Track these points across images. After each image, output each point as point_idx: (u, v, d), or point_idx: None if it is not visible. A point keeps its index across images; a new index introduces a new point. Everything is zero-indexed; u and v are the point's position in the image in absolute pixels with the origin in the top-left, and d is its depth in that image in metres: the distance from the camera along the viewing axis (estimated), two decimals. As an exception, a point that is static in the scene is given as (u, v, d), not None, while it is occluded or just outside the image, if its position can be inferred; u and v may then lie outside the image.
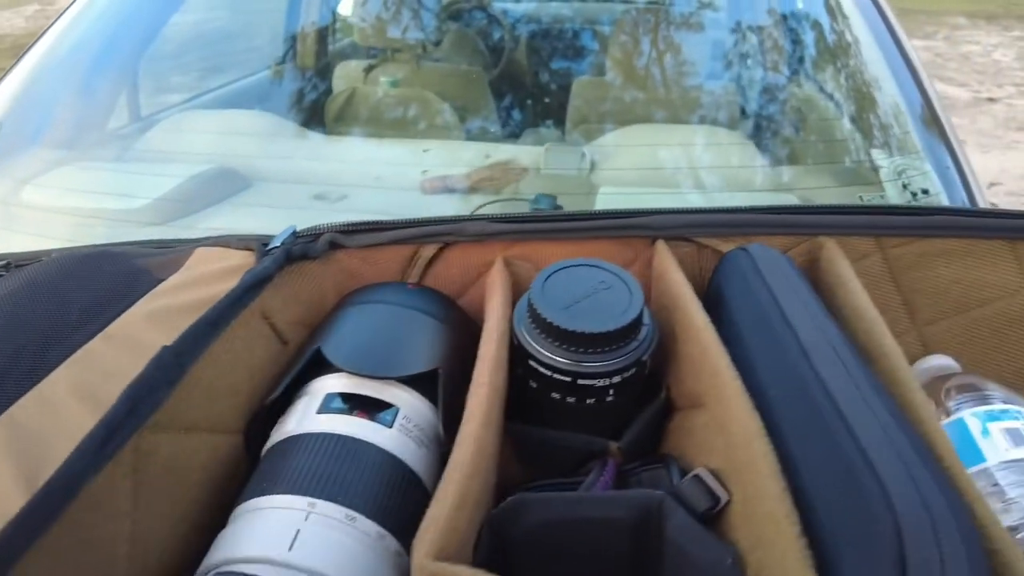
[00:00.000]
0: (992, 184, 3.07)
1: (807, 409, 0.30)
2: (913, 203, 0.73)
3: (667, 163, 0.92)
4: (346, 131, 1.29)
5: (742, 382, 0.32)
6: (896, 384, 0.32)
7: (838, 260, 0.42)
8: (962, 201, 0.79)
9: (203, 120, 1.14)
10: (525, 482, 0.39)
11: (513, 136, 1.23)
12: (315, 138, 1.11)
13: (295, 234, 0.46)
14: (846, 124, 0.95)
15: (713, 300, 0.41)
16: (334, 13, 1.69)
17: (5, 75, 0.98)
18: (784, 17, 1.22)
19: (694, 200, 0.86)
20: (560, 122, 1.21)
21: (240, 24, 1.60)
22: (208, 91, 1.45)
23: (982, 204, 0.79)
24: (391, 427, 0.36)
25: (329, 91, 1.40)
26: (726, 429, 0.32)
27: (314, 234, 0.47)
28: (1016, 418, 0.39)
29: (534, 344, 0.37)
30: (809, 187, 0.81)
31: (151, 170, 0.89)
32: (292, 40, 1.65)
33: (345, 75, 1.44)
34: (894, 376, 0.33)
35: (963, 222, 0.44)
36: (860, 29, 1.01)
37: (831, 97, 1.01)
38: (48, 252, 0.54)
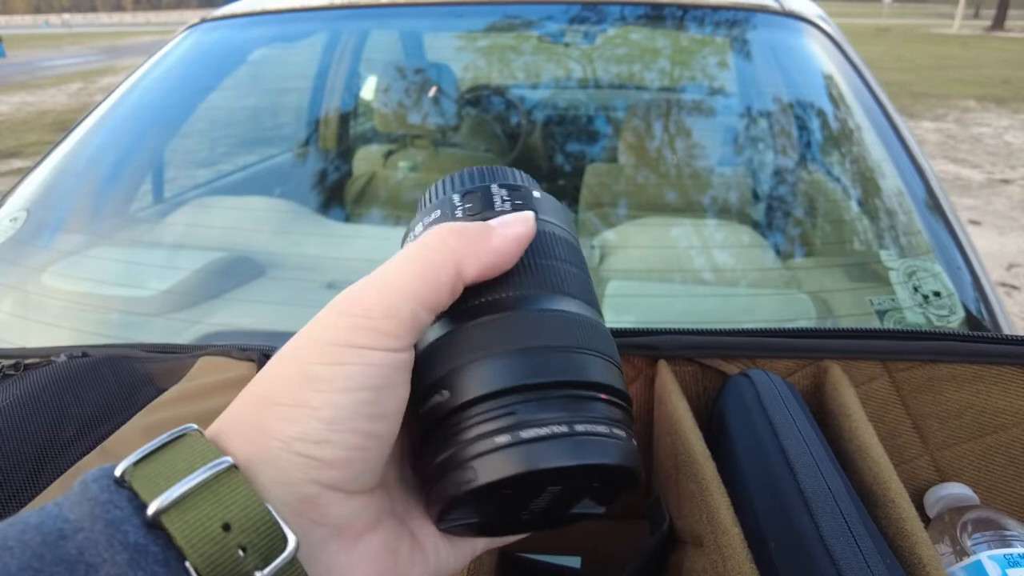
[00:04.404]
0: (1012, 266, 3.05)
1: (807, 567, 0.28)
2: (922, 317, 0.72)
3: (676, 258, 0.92)
4: (364, 215, 1.31)
5: (741, 528, 0.31)
6: (903, 536, 0.31)
7: (843, 388, 0.41)
8: (974, 301, 0.79)
9: (221, 205, 1.17)
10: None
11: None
12: (330, 225, 1.13)
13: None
14: (856, 222, 0.95)
15: (716, 428, 0.40)
16: (357, 98, 1.76)
17: (39, 162, 1.02)
18: (791, 106, 1.24)
19: (702, 293, 0.86)
20: (573, 205, 1.23)
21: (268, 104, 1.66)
22: (231, 172, 1.50)
23: (995, 303, 0.78)
24: None
25: (349, 174, 1.44)
26: (725, 581, 0.30)
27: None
28: (1038, 564, 0.37)
29: None
30: (819, 289, 0.81)
31: (168, 257, 0.91)
32: (315, 123, 1.71)
33: (365, 159, 1.49)
34: (901, 527, 0.31)
35: (970, 348, 0.43)
36: (866, 125, 1.02)
37: (843, 192, 1.02)
38: (58, 349, 0.55)
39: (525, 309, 0.22)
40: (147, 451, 0.19)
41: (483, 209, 0.24)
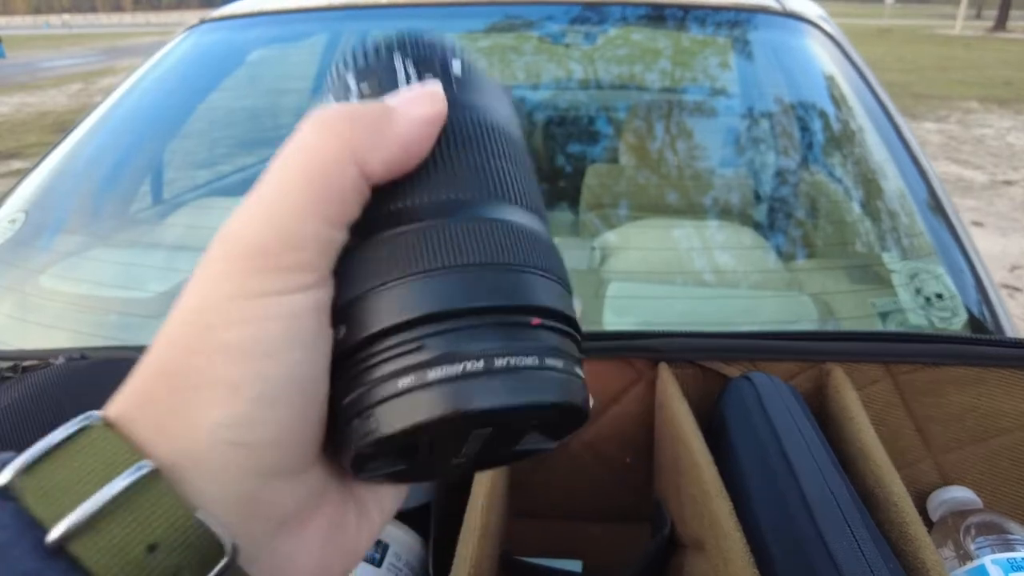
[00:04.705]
0: (1014, 267, 3.04)
1: (809, 571, 0.28)
2: (924, 320, 0.72)
3: (677, 260, 0.92)
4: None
5: (743, 532, 0.31)
6: (906, 540, 0.31)
7: (845, 390, 0.41)
8: (977, 303, 0.78)
9: (221, 207, 1.17)
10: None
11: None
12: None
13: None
14: (858, 223, 0.95)
15: (717, 431, 0.40)
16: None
17: (38, 163, 1.02)
18: (793, 107, 1.24)
19: (703, 295, 0.85)
20: (574, 206, 1.23)
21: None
22: (229, 174, 1.50)
23: (997, 306, 0.78)
24: (380, 566, 0.35)
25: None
26: (727, 586, 0.30)
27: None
28: (1041, 567, 0.37)
29: None
30: (821, 291, 0.81)
31: (167, 259, 0.91)
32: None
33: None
34: (904, 531, 0.31)
35: (973, 351, 0.43)
36: (868, 126, 1.02)
37: (845, 193, 1.02)
38: (56, 352, 0.55)
39: (435, 219, 0.18)
40: (40, 452, 0.15)
41: (384, 92, 0.19)
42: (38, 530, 0.14)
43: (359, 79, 0.20)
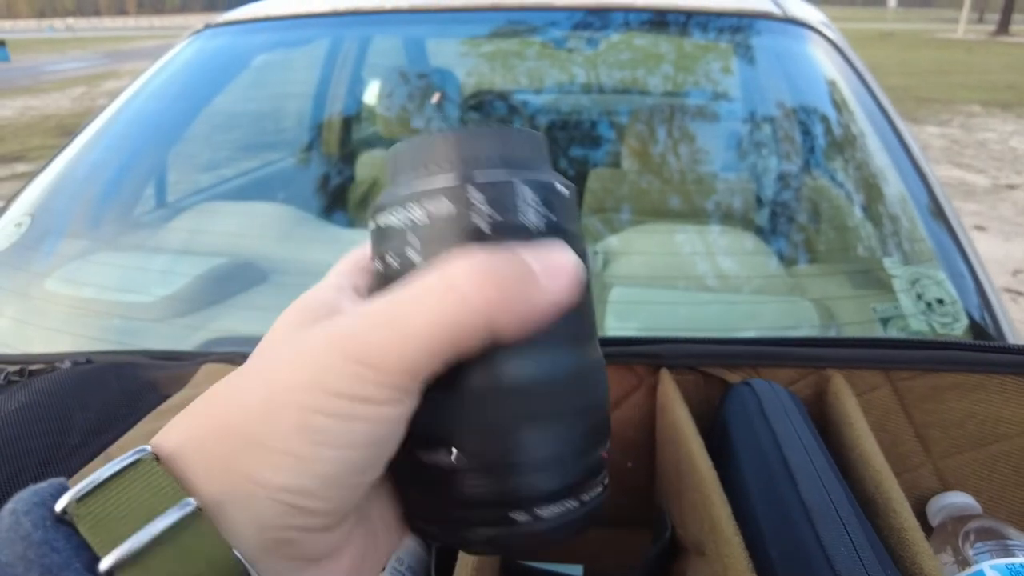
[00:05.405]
0: (1017, 271, 3.04)
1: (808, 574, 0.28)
2: (926, 325, 0.72)
3: (679, 264, 0.92)
4: (367, 221, 1.31)
5: (742, 537, 0.31)
6: (904, 546, 0.31)
7: (845, 397, 0.41)
8: (978, 309, 0.78)
9: (224, 211, 1.17)
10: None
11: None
12: (333, 230, 1.13)
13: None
14: (860, 228, 0.95)
15: (718, 436, 0.40)
16: (360, 103, 1.76)
17: (44, 167, 1.02)
18: (794, 112, 1.25)
19: (705, 300, 0.86)
20: (576, 210, 1.23)
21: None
22: (233, 177, 1.51)
23: (998, 311, 0.78)
24: (383, 570, 0.35)
25: (352, 179, 1.44)
26: (727, 591, 0.30)
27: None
28: (1040, 573, 0.37)
29: None
30: (822, 296, 0.81)
31: (170, 262, 0.92)
32: (318, 128, 1.71)
33: (369, 164, 1.49)
34: (902, 537, 0.31)
35: (972, 357, 0.43)
36: (869, 132, 1.03)
37: (846, 198, 1.02)
38: (62, 356, 0.55)
39: (551, 359, 0.19)
40: (95, 483, 0.16)
41: (509, 220, 0.19)
42: (88, 555, 0.15)
43: (480, 191, 0.19)
